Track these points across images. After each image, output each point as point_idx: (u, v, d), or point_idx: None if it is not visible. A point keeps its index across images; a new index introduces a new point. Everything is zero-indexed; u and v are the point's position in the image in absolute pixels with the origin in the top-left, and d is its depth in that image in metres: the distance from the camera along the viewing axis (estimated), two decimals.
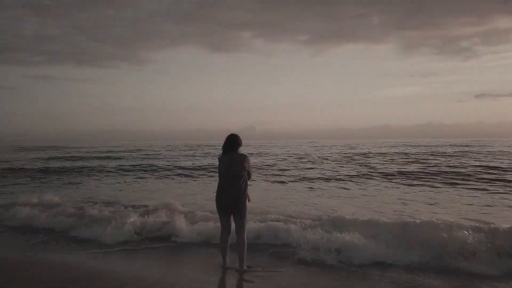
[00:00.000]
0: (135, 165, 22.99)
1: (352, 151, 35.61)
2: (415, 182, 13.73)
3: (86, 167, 22.14)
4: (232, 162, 4.72)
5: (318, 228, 6.22)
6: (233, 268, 4.91)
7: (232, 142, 4.81)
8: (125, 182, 15.93)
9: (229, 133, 4.90)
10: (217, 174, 4.90)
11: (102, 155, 34.87)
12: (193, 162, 24.72)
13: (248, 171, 4.81)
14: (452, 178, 14.31)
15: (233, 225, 4.90)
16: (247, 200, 4.80)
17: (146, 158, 30.13)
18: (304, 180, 15.13)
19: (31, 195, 10.85)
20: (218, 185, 4.85)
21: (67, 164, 25.35)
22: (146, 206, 9.24)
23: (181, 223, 6.88)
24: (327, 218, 6.86)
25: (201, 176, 17.49)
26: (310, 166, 21.45)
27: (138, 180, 16.88)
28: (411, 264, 5.07)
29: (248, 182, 4.86)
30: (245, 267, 4.87)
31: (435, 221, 6.10)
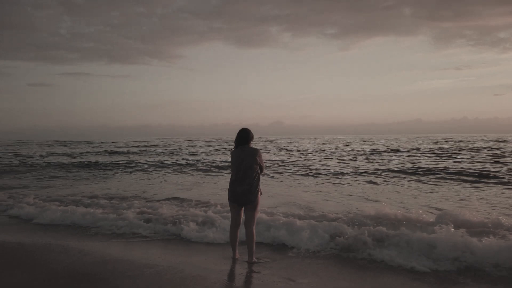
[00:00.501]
0: (169, 160, 23.48)
1: (381, 146, 34.87)
2: (445, 178, 13.28)
3: (120, 162, 22.82)
4: (244, 155, 4.79)
5: (341, 224, 6.18)
6: (243, 260, 4.99)
7: (244, 136, 4.88)
8: (158, 177, 16.25)
9: (241, 127, 4.94)
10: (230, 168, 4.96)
11: (135, 150, 35.79)
12: (222, 157, 25.00)
13: (260, 164, 4.86)
14: (484, 175, 13.71)
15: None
16: (259, 193, 4.85)
17: (178, 154, 30.76)
18: (329, 175, 15.02)
19: (61, 190, 11.34)
20: (231, 179, 4.92)
21: (102, 158, 26.23)
22: (179, 199, 9.68)
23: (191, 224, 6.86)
24: (351, 214, 6.90)
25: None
26: (337, 161, 21.23)
27: (171, 173, 17.30)
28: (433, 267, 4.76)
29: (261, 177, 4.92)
30: (254, 259, 4.93)
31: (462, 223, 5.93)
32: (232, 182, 4.88)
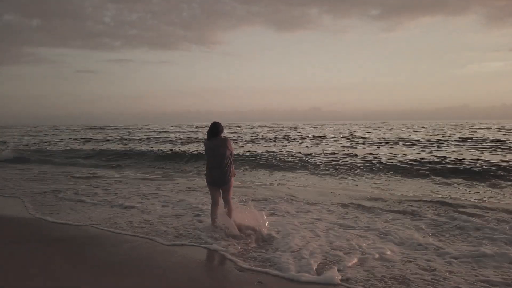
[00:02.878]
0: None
1: (419, 134, 32.64)
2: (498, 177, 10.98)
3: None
4: (217, 145, 5.56)
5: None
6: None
7: (215, 129, 5.61)
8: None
9: (213, 121, 5.63)
10: (205, 156, 5.75)
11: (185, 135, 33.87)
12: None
13: (231, 151, 5.65)
14: None
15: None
16: (232, 175, 5.67)
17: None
18: (350, 166, 14.73)
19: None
20: (207, 165, 5.72)
21: (141, 147, 26.81)
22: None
23: None
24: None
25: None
26: (366, 149, 19.37)
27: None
28: None
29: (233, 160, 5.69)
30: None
31: None
32: (209, 169, 5.67)
